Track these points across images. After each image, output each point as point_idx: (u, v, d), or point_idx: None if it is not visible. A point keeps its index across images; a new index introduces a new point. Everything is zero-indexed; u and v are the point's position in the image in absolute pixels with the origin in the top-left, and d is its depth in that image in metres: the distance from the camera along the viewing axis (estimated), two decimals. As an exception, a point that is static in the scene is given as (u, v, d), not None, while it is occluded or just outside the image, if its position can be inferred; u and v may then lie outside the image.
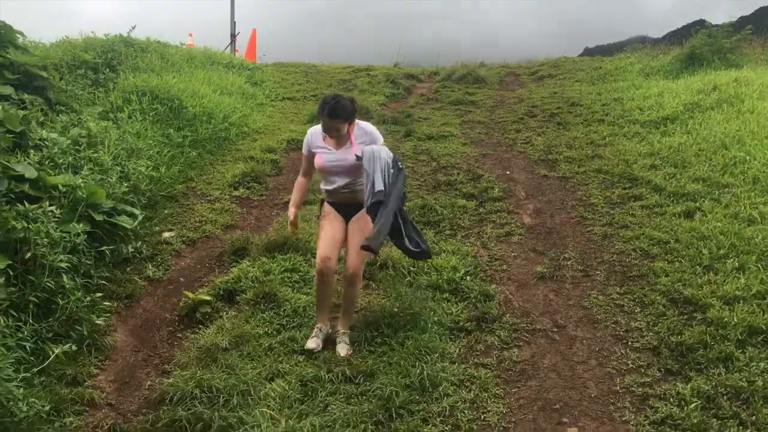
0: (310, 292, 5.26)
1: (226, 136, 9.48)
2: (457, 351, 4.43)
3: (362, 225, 4.49)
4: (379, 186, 4.32)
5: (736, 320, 4.35)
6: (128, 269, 5.69)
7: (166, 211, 6.92)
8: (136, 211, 6.10)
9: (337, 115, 4.34)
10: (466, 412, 3.78)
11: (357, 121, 4.59)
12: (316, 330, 4.56)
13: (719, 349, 4.11)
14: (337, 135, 4.45)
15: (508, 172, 8.27)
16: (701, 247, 5.47)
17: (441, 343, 4.45)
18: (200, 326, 4.95)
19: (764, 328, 4.23)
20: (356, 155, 4.43)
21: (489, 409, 3.82)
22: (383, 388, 3.89)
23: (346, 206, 4.61)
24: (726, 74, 11.02)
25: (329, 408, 3.80)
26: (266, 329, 4.78)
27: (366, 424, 3.62)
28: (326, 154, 4.52)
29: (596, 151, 8.72)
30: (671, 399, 3.77)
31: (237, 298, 5.24)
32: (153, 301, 5.41)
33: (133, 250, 5.83)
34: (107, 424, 3.81)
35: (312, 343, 4.46)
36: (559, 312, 4.92)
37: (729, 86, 9.91)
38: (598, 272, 5.46)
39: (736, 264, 5.10)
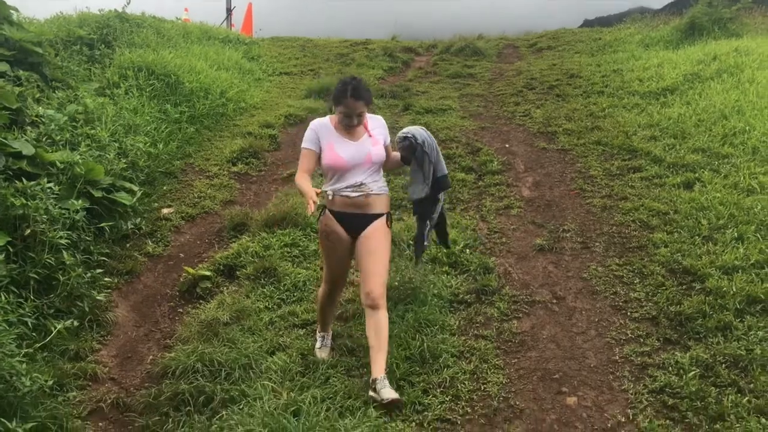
0: (310, 266, 5.28)
1: (224, 112, 9.43)
2: (457, 323, 4.45)
3: (377, 242, 3.83)
4: (443, 171, 4.11)
5: (734, 290, 4.36)
6: (128, 245, 5.70)
7: (164, 188, 6.92)
8: (135, 188, 6.10)
9: (361, 96, 3.74)
10: (466, 382, 3.81)
11: None
12: (320, 338, 4.26)
13: (718, 319, 4.14)
14: (359, 122, 3.82)
15: (507, 145, 8.24)
16: (700, 218, 5.48)
17: (441, 316, 4.47)
18: (201, 301, 4.98)
19: (763, 297, 4.25)
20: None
21: (489, 379, 3.85)
22: (384, 360, 3.92)
23: (353, 217, 3.84)
24: (726, 44, 10.94)
25: (330, 380, 3.84)
26: (267, 304, 4.81)
27: (367, 396, 3.64)
28: (343, 147, 3.80)
29: (595, 123, 8.68)
30: (670, 368, 3.80)
31: (237, 273, 5.26)
32: (153, 276, 5.43)
33: (132, 226, 5.85)
34: (110, 398, 3.86)
35: (324, 353, 4.16)
36: (559, 284, 4.93)
37: (729, 56, 9.83)
38: (597, 244, 5.47)
39: (735, 234, 5.10)
